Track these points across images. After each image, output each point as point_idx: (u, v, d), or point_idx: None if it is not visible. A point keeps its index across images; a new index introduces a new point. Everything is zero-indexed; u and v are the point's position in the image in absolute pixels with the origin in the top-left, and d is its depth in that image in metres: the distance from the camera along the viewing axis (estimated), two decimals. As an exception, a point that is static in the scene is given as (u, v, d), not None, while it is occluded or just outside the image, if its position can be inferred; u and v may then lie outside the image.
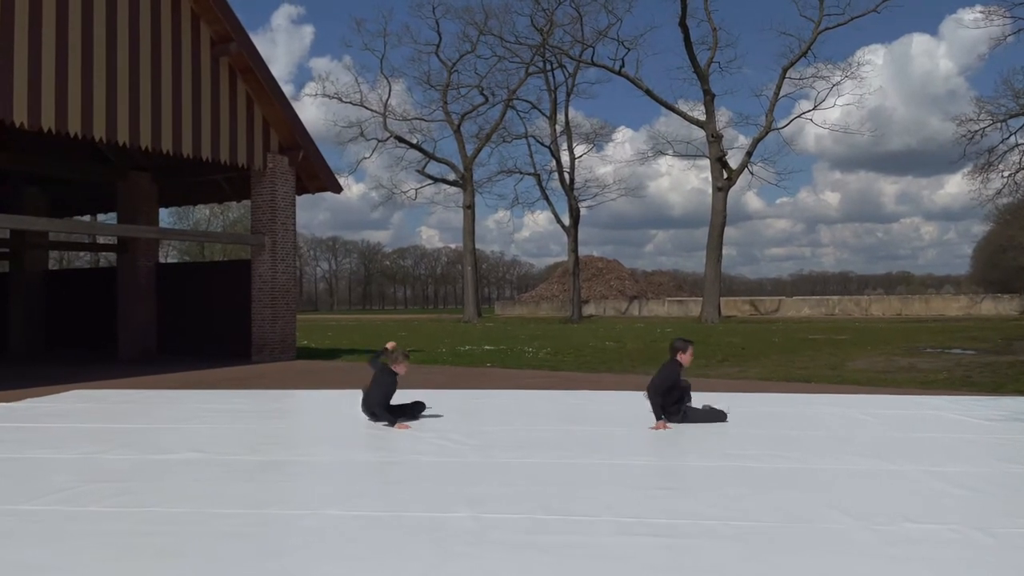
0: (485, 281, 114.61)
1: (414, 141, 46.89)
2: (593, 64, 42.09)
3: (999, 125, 32.38)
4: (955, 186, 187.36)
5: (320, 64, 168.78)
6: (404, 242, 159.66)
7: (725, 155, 38.58)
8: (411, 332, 30.33)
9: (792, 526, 4.06)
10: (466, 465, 5.64)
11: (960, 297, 47.98)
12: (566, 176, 45.75)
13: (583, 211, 47.49)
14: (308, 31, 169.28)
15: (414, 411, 7.68)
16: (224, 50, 14.77)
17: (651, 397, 7.16)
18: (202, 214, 67.82)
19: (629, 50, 45.74)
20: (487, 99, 46.90)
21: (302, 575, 3.40)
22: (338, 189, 17.68)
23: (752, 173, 40.38)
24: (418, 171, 47.11)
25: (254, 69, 15.22)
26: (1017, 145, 32.41)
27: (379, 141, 46.30)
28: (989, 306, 43.77)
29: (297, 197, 16.92)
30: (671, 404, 7.43)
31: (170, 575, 3.43)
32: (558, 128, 46.19)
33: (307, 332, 29.32)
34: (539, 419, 7.78)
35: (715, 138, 38.08)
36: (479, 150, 46.55)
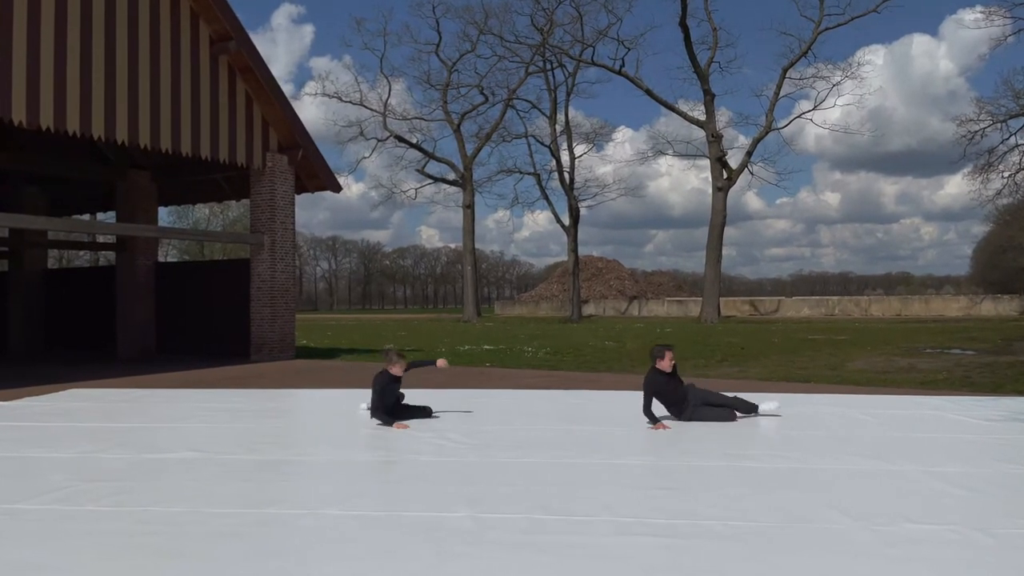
0: (485, 281, 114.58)
1: (414, 140, 46.90)
2: (593, 64, 42.08)
3: (999, 125, 32.34)
4: (955, 187, 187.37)
5: (320, 63, 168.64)
6: (404, 242, 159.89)
7: (725, 155, 38.55)
8: (410, 332, 30.31)
9: (792, 526, 4.05)
10: (465, 465, 5.62)
11: (960, 298, 47.97)
12: (566, 176, 45.76)
13: (583, 211, 47.54)
14: (308, 30, 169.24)
15: (419, 414, 7.67)
16: (223, 49, 14.75)
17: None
18: (202, 213, 67.78)
19: (629, 50, 45.80)
20: (487, 98, 46.92)
21: (300, 575, 3.38)
22: (337, 188, 17.66)
23: (752, 173, 40.39)
24: (418, 170, 47.12)
25: (253, 68, 15.20)
26: (1017, 146, 32.37)
27: (379, 140, 46.30)
28: (989, 307, 43.76)
29: (296, 196, 16.90)
30: (671, 407, 7.42)
31: (167, 575, 3.41)
32: (558, 128, 46.21)
33: (306, 331, 29.30)
34: (538, 419, 7.77)
35: (715, 138, 38.06)
36: (479, 149, 46.53)
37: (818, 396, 9.46)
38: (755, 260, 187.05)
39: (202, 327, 17.19)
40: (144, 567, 3.49)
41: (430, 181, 47.51)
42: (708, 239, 38.77)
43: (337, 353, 18.23)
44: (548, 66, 45.88)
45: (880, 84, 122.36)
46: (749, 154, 39.10)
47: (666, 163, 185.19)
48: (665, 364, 7.36)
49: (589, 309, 54.30)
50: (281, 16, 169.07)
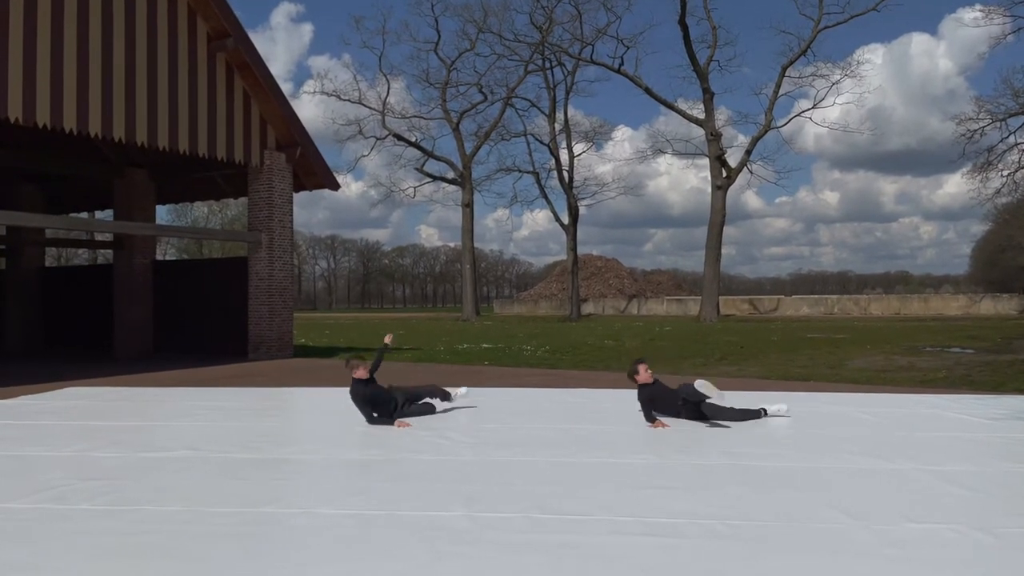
0: (484, 280, 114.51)
1: (413, 139, 46.85)
2: (592, 62, 42.04)
3: (998, 124, 32.30)
4: (954, 186, 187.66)
5: (319, 62, 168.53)
6: (403, 241, 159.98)
7: (724, 154, 38.51)
8: (409, 330, 30.26)
9: (791, 526, 4.01)
10: (462, 464, 5.58)
11: (959, 296, 47.97)
12: (565, 175, 45.71)
13: (582, 210, 47.51)
14: (307, 29, 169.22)
15: (424, 410, 7.63)
16: (221, 46, 14.70)
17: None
18: (200, 212, 67.76)
19: (628, 48, 45.92)
20: (486, 97, 46.86)
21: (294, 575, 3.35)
22: (335, 186, 17.62)
23: (751, 172, 40.34)
24: (417, 169, 47.08)
25: (251, 65, 15.15)
26: (1016, 144, 32.34)
27: (378, 139, 46.25)
28: (988, 305, 43.77)
29: (295, 194, 16.86)
30: (668, 411, 7.40)
31: (160, 575, 3.37)
32: (557, 126, 46.18)
33: (305, 330, 29.26)
34: (536, 417, 7.73)
35: (714, 136, 38.02)
36: (478, 148, 46.48)
37: (818, 395, 9.43)
38: (754, 259, 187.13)
39: (200, 325, 17.15)
40: (137, 567, 3.45)
41: (429, 180, 47.50)
42: (707, 238, 38.74)
43: (335, 352, 18.18)
44: (547, 64, 45.89)
45: (879, 83, 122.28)
46: (748, 153, 39.06)
47: (665, 162, 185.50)
48: (642, 377, 7.38)
49: (588, 308, 54.27)
50: (280, 15, 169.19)
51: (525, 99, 48.28)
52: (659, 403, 7.34)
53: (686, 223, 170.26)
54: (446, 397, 7.88)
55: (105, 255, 33.70)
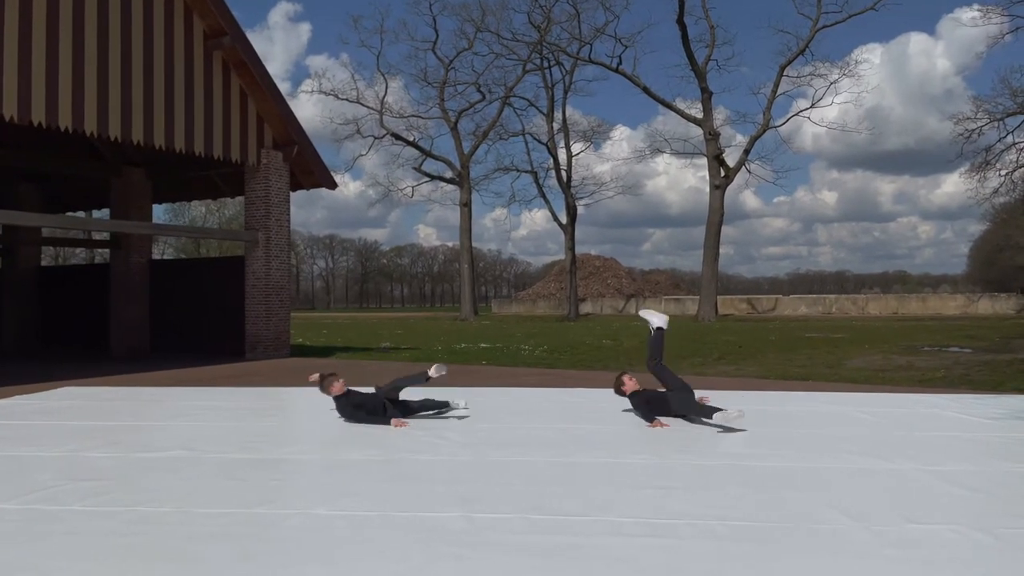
0: (482, 279, 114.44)
1: (411, 138, 46.77)
2: (590, 61, 42.00)
3: (996, 124, 32.30)
4: (952, 185, 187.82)
5: (317, 62, 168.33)
6: (401, 240, 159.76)
7: (722, 153, 38.47)
8: (407, 330, 30.22)
9: (790, 526, 3.97)
10: (459, 464, 5.54)
11: (957, 296, 48.00)
12: (563, 174, 45.65)
13: (580, 209, 47.49)
14: (305, 28, 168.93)
15: (424, 407, 7.53)
16: (217, 44, 14.64)
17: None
18: (198, 211, 67.64)
19: (626, 47, 45.82)
20: (484, 96, 46.82)
21: (286, 577, 3.31)
22: (332, 185, 17.57)
23: (749, 171, 40.33)
24: (415, 168, 47.03)
25: (248, 64, 15.10)
26: (1014, 144, 32.36)
27: (376, 138, 46.20)
28: (986, 305, 43.79)
29: (293, 194, 16.81)
30: (666, 413, 7.37)
31: (150, 577, 3.33)
32: (555, 126, 46.13)
33: (302, 330, 29.20)
34: (534, 417, 7.69)
35: (712, 136, 37.99)
36: (476, 147, 46.45)
37: (817, 394, 9.40)
38: (752, 259, 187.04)
39: (196, 325, 17.09)
40: (128, 569, 3.41)
41: (427, 179, 47.46)
42: (705, 238, 38.71)
43: (332, 351, 18.13)
44: (545, 64, 45.83)
45: (877, 82, 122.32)
46: (746, 152, 39.04)
47: (663, 161, 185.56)
48: (629, 387, 7.43)
49: (586, 308, 54.24)
50: (278, 14, 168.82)
51: (523, 98, 48.26)
52: (654, 404, 7.32)
53: (684, 223, 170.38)
54: (424, 378, 7.54)
55: (103, 254, 33.64)
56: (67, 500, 4.53)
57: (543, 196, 48.65)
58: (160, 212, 64.84)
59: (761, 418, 7.48)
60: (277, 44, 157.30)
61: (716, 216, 38.05)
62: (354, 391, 7.45)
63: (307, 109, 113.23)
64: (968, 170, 33.33)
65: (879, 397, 9.03)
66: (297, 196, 17.96)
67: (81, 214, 23.00)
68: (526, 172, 48.43)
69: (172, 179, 18.98)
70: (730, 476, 5.10)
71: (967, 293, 50.34)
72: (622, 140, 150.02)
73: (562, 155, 46.06)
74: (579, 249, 51.08)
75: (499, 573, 3.34)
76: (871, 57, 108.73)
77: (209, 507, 4.37)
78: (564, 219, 46.37)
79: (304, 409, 8.80)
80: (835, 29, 45.25)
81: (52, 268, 26.92)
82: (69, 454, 5.89)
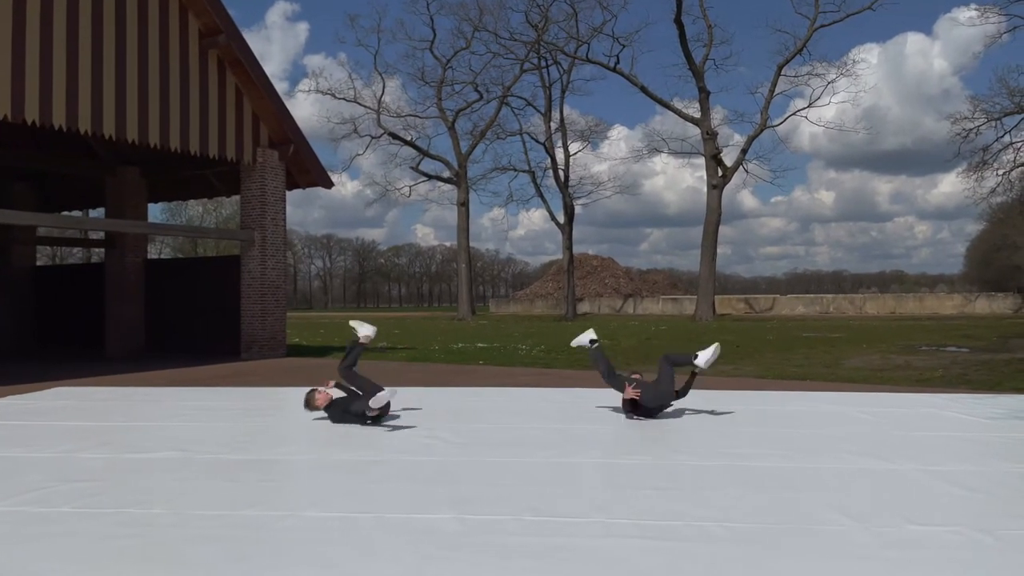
0: (480, 279, 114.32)
1: (408, 138, 46.64)
2: (588, 61, 41.95)
3: (994, 123, 32.36)
4: (949, 185, 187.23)
5: (315, 61, 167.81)
6: (399, 240, 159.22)
7: (720, 153, 38.45)
8: (404, 330, 30.16)
9: (789, 527, 3.93)
10: (453, 464, 5.49)
11: (954, 295, 48.00)
12: (561, 173, 45.56)
13: (578, 209, 47.42)
14: (303, 28, 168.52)
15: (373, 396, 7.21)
16: (213, 43, 14.57)
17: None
18: (195, 211, 67.46)
19: (624, 47, 45.79)
20: (481, 96, 46.69)
21: (277, 580, 3.26)
22: (329, 184, 17.51)
23: (747, 171, 40.32)
24: (412, 168, 46.89)
25: (243, 62, 15.03)
26: (1012, 143, 32.41)
27: (373, 138, 46.06)
28: (983, 304, 43.81)
29: (290, 194, 16.75)
30: (663, 410, 7.36)
31: (139, 580, 3.27)
32: (553, 125, 46.00)
33: (299, 330, 29.13)
34: (530, 417, 7.64)
35: (710, 135, 37.96)
36: (473, 147, 46.34)
37: (815, 394, 9.36)
38: (750, 258, 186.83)
39: (192, 324, 17.01)
40: (120, 570, 3.36)
41: (424, 179, 47.33)
42: (703, 237, 38.70)
43: (329, 351, 18.07)
44: (543, 63, 45.69)
45: (875, 82, 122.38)
46: (744, 152, 39.03)
47: (661, 161, 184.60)
48: (629, 395, 7.26)
49: (584, 307, 54.20)
50: (275, 14, 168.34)
51: (521, 98, 48.13)
52: (655, 404, 7.30)
53: (682, 222, 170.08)
54: (361, 347, 7.40)
55: (99, 254, 33.48)
56: (59, 501, 4.47)
57: (541, 196, 48.55)
58: (157, 211, 64.61)
59: (761, 418, 7.45)
60: (275, 43, 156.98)
61: (714, 216, 38.04)
62: (338, 399, 7.35)
63: (304, 108, 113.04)
64: (965, 170, 33.41)
65: (878, 397, 9.00)
66: (294, 195, 17.86)
67: (77, 213, 22.89)
68: (524, 172, 48.32)
69: (168, 178, 18.91)
70: (729, 477, 5.06)
71: (964, 293, 50.36)
72: (620, 140, 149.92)
73: (560, 155, 46.01)
74: (577, 249, 51.08)
75: (492, 575, 3.28)
76: (868, 57, 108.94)
77: (202, 508, 4.31)
78: (562, 219, 46.30)
79: (298, 409, 8.73)
80: (832, 29, 45.29)
81: (48, 268, 26.83)
82: (61, 455, 5.83)
